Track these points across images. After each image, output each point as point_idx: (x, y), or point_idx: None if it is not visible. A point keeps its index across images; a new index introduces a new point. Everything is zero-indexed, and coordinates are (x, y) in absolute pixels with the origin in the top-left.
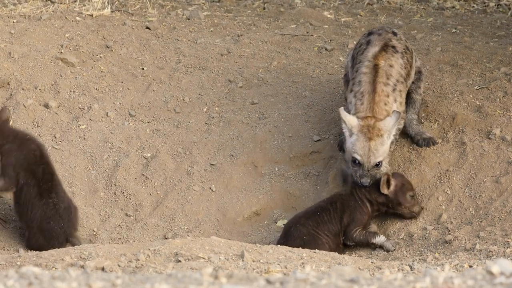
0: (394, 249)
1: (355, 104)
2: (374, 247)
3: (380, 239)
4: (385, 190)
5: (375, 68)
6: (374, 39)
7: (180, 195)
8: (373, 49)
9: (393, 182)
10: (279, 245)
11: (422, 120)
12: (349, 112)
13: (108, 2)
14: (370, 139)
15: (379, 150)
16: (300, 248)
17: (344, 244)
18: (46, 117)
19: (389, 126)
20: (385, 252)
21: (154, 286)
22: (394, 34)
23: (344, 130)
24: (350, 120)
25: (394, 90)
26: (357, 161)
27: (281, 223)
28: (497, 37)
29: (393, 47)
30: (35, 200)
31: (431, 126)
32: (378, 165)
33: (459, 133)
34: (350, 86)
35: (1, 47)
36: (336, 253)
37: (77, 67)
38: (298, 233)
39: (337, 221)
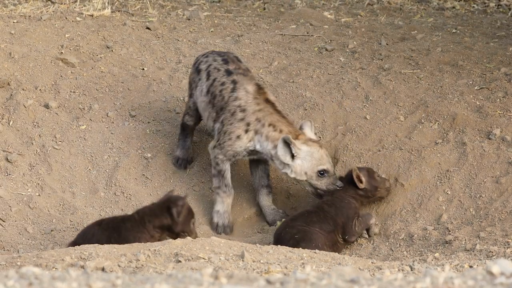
0: (375, 233)
1: (270, 136)
2: (368, 231)
3: (373, 220)
4: (361, 185)
5: (267, 102)
6: (241, 79)
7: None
8: (250, 87)
9: (362, 175)
10: (279, 246)
11: (423, 121)
12: (225, 151)
13: (108, 3)
14: (321, 147)
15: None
16: (295, 247)
17: (346, 240)
18: (46, 118)
19: (313, 134)
20: (370, 235)
21: (154, 286)
22: (249, 70)
23: (285, 160)
24: (297, 143)
25: None
26: (324, 172)
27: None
28: (497, 37)
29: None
30: None
31: (431, 127)
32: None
33: (459, 133)
34: (243, 127)
35: (2, 47)
36: (336, 253)
37: (78, 68)
38: (289, 235)
39: (330, 221)
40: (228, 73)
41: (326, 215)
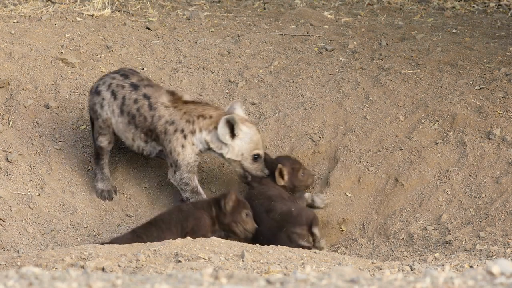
0: (322, 206)
1: (203, 125)
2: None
3: (307, 194)
4: (281, 182)
5: (186, 103)
6: (152, 92)
7: (180, 195)
8: (164, 99)
9: (285, 172)
10: (279, 246)
11: (423, 121)
12: (184, 166)
13: (108, 3)
14: (258, 130)
15: None
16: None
17: None
18: (46, 117)
19: (244, 114)
20: (318, 208)
21: (154, 286)
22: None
23: (224, 140)
24: (239, 122)
25: None
26: (258, 156)
27: None
28: (497, 37)
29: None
30: None
31: (431, 127)
32: None
33: (459, 133)
34: (180, 136)
35: (2, 47)
36: (336, 253)
37: (78, 68)
38: (280, 233)
39: (285, 201)
40: (135, 87)
41: (283, 199)
